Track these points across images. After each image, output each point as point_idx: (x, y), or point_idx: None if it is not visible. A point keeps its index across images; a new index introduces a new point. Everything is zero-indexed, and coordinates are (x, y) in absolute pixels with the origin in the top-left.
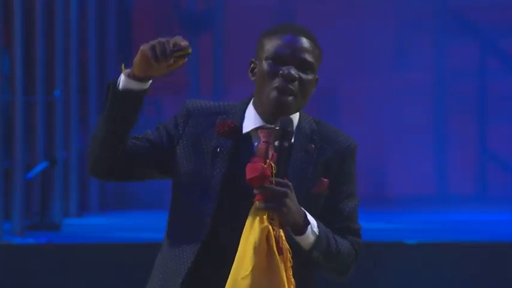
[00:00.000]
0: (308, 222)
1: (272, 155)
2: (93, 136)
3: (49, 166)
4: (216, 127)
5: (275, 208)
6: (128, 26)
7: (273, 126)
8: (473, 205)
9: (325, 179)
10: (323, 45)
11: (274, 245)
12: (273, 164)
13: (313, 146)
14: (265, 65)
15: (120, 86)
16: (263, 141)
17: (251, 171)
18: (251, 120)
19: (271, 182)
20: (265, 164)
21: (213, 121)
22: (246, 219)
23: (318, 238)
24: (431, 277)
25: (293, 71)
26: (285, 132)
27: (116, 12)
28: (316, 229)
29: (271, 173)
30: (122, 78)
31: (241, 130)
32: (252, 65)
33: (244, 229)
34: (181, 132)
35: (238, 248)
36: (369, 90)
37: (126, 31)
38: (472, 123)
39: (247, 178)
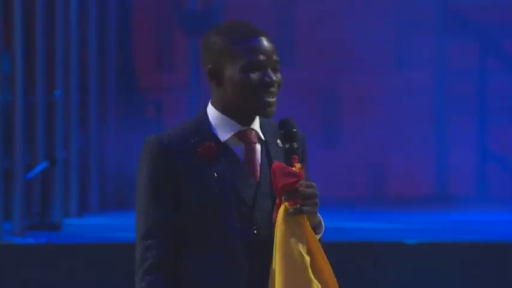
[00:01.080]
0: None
1: (294, 157)
2: None
3: (49, 166)
4: (199, 154)
5: (312, 211)
6: (128, 26)
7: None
8: (473, 205)
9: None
10: (323, 45)
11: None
12: (301, 166)
13: (278, 140)
14: (241, 73)
15: None
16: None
17: (285, 177)
18: (225, 127)
19: (301, 185)
20: (293, 167)
21: (190, 147)
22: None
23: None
24: (432, 277)
25: (272, 76)
26: (292, 133)
27: (116, 12)
28: (323, 226)
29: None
30: None
31: (220, 142)
32: (213, 70)
33: (280, 236)
34: (172, 176)
35: (279, 256)
36: (369, 90)
37: (126, 31)
38: (472, 123)
39: (282, 184)
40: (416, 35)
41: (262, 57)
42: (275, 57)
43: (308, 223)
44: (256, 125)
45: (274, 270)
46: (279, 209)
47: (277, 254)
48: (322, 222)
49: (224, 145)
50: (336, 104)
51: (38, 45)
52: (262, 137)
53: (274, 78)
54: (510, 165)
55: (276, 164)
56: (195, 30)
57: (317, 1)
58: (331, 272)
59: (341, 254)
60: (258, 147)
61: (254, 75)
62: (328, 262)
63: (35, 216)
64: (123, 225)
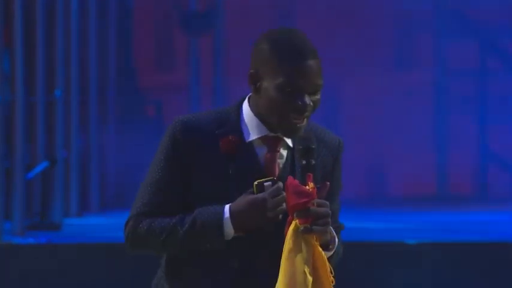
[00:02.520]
0: (334, 237)
1: (308, 175)
2: (156, 240)
3: (49, 166)
4: (219, 146)
5: (322, 230)
6: (128, 26)
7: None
8: (473, 205)
9: (327, 182)
10: (323, 45)
11: (328, 264)
12: (314, 186)
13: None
14: (276, 90)
15: (225, 235)
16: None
17: (297, 196)
18: (254, 128)
19: (313, 204)
20: (307, 185)
21: (213, 137)
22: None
23: (335, 252)
24: (432, 277)
25: (307, 101)
26: (309, 149)
27: (116, 12)
28: (335, 241)
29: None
30: (229, 233)
31: (244, 140)
32: (254, 76)
33: (287, 253)
34: (186, 162)
35: (282, 272)
36: (369, 90)
37: (127, 31)
38: (472, 123)
39: (294, 203)
40: (416, 35)
41: (302, 81)
42: (317, 81)
43: (317, 242)
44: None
45: (277, 285)
46: (289, 224)
47: (282, 269)
48: (336, 238)
49: (247, 144)
50: (336, 104)
51: (38, 45)
52: (291, 145)
53: (308, 102)
54: (510, 166)
55: (289, 181)
56: (196, 30)
57: (317, 1)
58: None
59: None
60: (284, 154)
61: (287, 97)
62: (331, 284)
63: (35, 216)
64: (123, 225)
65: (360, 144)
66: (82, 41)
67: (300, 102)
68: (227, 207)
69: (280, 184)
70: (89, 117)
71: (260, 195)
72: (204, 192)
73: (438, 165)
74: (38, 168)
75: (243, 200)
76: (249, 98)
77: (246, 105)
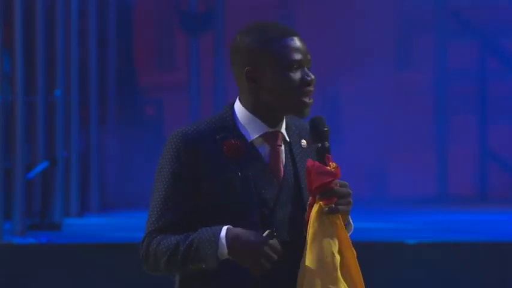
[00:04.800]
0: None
1: (328, 156)
2: (162, 259)
3: (50, 166)
4: (224, 152)
5: (346, 210)
6: (128, 26)
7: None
8: (473, 205)
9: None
10: (323, 45)
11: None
12: (337, 165)
13: (303, 141)
14: (283, 73)
15: (220, 257)
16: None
17: (321, 176)
18: (252, 127)
19: (336, 184)
20: (328, 166)
21: (215, 144)
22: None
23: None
24: (432, 277)
25: (311, 74)
26: (324, 132)
27: (116, 12)
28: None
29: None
30: (223, 252)
31: (246, 141)
32: (251, 72)
33: (313, 234)
34: (194, 172)
35: (311, 254)
36: (370, 90)
37: (127, 31)
38: (472, 123)
39: (319, 183)
40: (416, 34)
41: (300, 56)
42: (309, 56)
43: (342, 222)
44: (282, 126)
45: (304, 268)
46: (311, 208)
47: (308, 251)
48: (351, 221)
49: (249, 144)
50: (336, 104)
51: (38, 45)
52: (287, 138)
53: (312, 75)
54: (510, 165)
55: (310, 162)
56: (196, 30)
57: (317, 1)
58: (359, 272)
59: None
60: (283, 148)
61: (295, 75)
62: (357, 262)
63: (35, 216)
64: (123, 225)
65: (360, 144)
66: (82, 41)
67: (307, 77)
68: (225, 228)
69: (277, 243)
70: (89, 117)
71: (262, 239)
72: (215, 199)
73: (438, 165)
74: (38, 168)
75: (245, 232)
76: (240, 101)
77: (238, 107)
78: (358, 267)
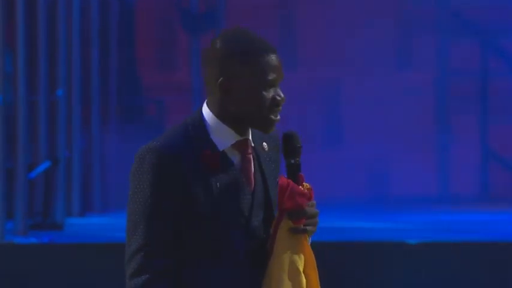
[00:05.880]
0: None
1: (301, 176)
2: None
3: (51, 166)
4: (202, 163)
5: (314, 230)
6: (130, 26)
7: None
8: (475, 205)
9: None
10: (323, 45)
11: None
12: (310, 186)
13: (265, 144)
14: (256, 89)
15: None
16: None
17: (296, 197)
18: (224, 136)
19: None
20: (301, 185)
21: (190, 156)
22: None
23: None
24: (434, 277)
25: (282, 94)
26: (297, 148)
27: (118, 11)
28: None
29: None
30: None
31: (218, 151)
32: (226, 81)
33: (282, 253)
34: (174, 186)
35: (280, 273)
36: (370, 90)
37: (129, 31)
38: (474, 122)
39: (292, 204)
40: (417, 34)
41: (275, 75)
42: (283, 74)
43: (308, 242)
44: (249, 134)
45: (270, 281)
46: (278, 222)
47: (276, 266)
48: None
49: (222, 154)
50: (337, 104)
51: (40, 45)
52: (253, 143)
53: (283, 95)
54: (511, 165)
55: (284, 181)
56: (197, 30)
57: (317, 1)
58: None
59: (343, 253)
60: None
61: (267, 94)
62: (319, 283)
63: (37, 216)
64: (125, 225)
65: (360, 145)
66: (84, 40)
67: (278, 97)
68: None
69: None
70: (91, 117)
71: None
72: (197, 210)
73: (440, 165)
74: (40, 168)
75: None
76: (209, 108)
77: (208, 114)
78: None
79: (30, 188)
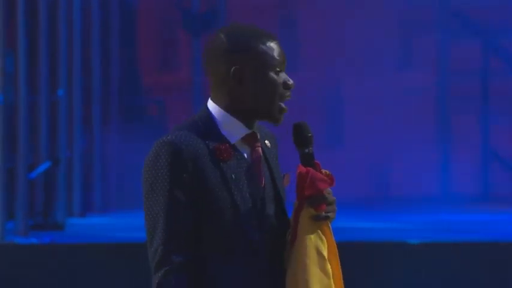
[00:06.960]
0: None
1: (317, 163)
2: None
3: (52, 166)
4: (216, 156)
5: (334, 217)
6: (131, 26)
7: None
8: (476, 205)
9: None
10: (324, 45)
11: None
12: (327, 172)
13: (267, 141)
14: (270, 75)
15: None
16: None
17: (317, 182)
18: (234, 130)
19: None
20: (320, 172)
21: (204, 150)
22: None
23: None
24: (435, 276)
25: (291, 79)
26: (309, 138)
27: (119, 12)
28: None
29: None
30: None
31: (230, 144)
32: (239, 72)
33: (306, 241)
34: (192, 178)
35: (304, 260)
36: (371, 90)
37: (130, 31)
38: (474, 122)
39: (314, 190)
40: (418, 34)
41: (282, 59)
42: (286, 61)
43: (331, 229)
44: (256, 128)
45: (295, 271)
46: (298, 210)
47: (301, 257)
48: None
49: (234, 147)
50: (337, 104)
51: (41, 45)
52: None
53: (292, 81)
54: (511, 165)
55: (302, 169)
56: (198, 30)
57: (318, 1)
58: (341, 279)
59: (343, 253)
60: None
61: (279, 78)
62: (340, 270)
63: (38, 216)
64: (126, 225)
65: (362, 144)
66: (85, 41)
67: (288, 80)
68: None
69: None
70: (91, 117)
71: None
72: (215, 202)
73: (441, 165)
74: (41, 168)
75: None
76: (216, 103)
77: (214, 108)
78: (341, 275)
79: (30, 188)
